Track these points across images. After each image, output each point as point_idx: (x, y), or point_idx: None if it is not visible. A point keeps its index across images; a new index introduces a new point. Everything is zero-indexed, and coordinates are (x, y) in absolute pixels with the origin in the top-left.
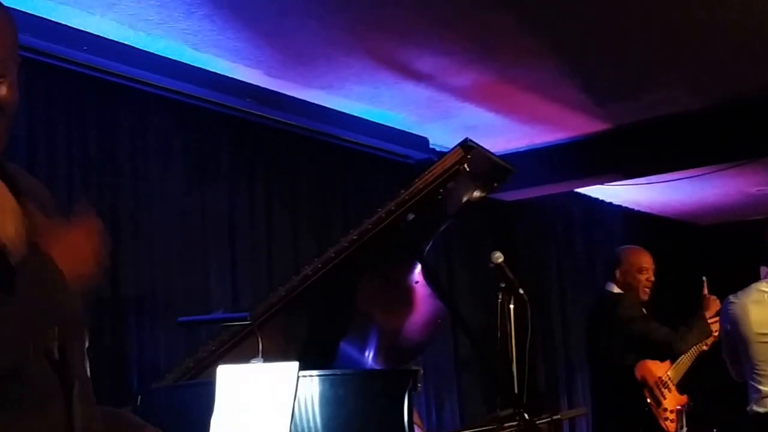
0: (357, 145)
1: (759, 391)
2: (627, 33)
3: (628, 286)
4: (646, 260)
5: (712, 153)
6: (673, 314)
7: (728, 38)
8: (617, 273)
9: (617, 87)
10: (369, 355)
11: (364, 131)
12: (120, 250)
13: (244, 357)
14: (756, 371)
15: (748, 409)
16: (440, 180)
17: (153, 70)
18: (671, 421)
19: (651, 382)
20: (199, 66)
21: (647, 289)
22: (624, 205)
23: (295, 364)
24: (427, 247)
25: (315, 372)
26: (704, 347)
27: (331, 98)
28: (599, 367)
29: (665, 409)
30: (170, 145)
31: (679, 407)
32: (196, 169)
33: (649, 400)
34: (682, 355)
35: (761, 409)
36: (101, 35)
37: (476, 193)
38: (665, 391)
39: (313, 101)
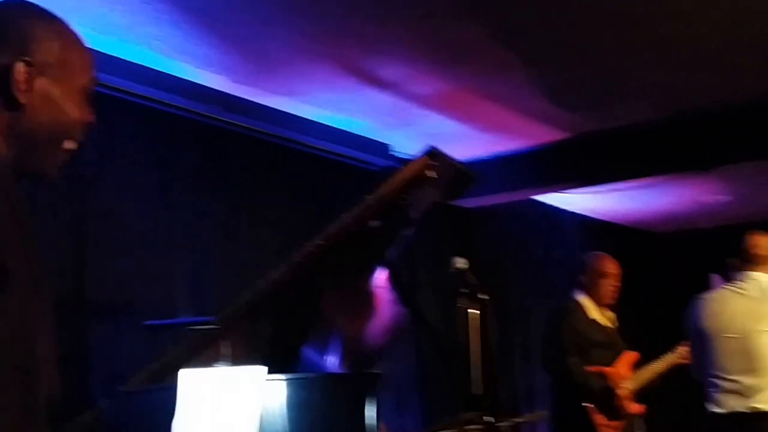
0: (321, 151)
1: (718, 387)
2: (588, 45)
3: (593, 292)
4: (611, 266)
5: (668, 162)
6: (628, 321)
7: (685, 52)
8: (583, 278)
9: (578, 97)
10: (331, 360)
11: (327, 138)
12: (85, 254)
13: (209, 362)
14: (717, 368)
15: (707, 407)
16: (405, 186)
17: (119, 75)
18: (614, 428)
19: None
20: (166, 71)
21: (613, 294)
22: (581, 212)
23: (263, 368)
24: (391, 253)
25: (281, 376)
26: (682, 360)
27: (295, 105)
28: (553, 372)
29: (610, 416)
30: (136, 150)
31: (634, 414)
32: (161, 174)
33: (591, 405)
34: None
35: (721, 410)
36: None
37: (440, 200)
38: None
39: (277, 107)
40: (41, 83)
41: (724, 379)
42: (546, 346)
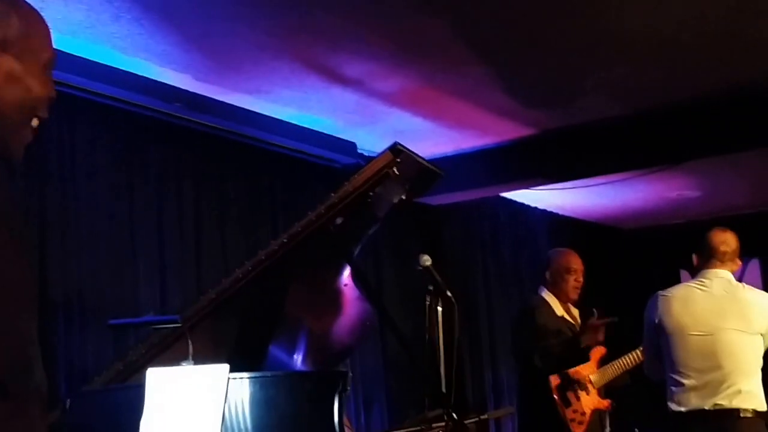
0: (285, 149)
1: (680, 385)
2: (551, 41)
3: (557, 288)
4: (574, 262)
5: (634, 158)
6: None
7: (649, 46)
8: (547, 275)
9: (542, 93)
10: (298, 359)
11: (292, 136)
12: (48, 253)
13: (174, 360)
14: (679, 365)
15: (669, 406)
16: (369, 183)
17: (80, 74)
18: (579, 423)
19: (572, 379)
20: (127, 70)
21: (576, 290)
22: (549, 209)
23: (226, 366)
24: (356, 250)
25: (245, 374)
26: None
27: (259, 102)
28: (520, 368)
29: (575, 411)
30: (98, 149)
31: (600, 409)
32: (124, 173)
33: (556, 397)
34: (613, 361)
35: (682, 408)
36: None
37: (404, 197)
38: (581, 393)
39: (241, 105)
40: (4, 61)
41: (688, 377)
42: (515, 346)
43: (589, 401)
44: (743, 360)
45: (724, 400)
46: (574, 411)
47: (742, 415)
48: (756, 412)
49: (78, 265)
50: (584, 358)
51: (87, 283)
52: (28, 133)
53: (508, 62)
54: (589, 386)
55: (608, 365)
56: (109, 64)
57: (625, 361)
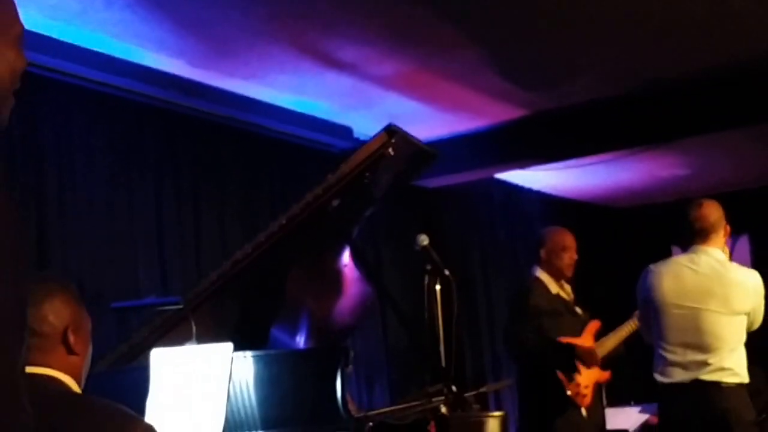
0: (282, 135)
1: (664, 359)
2: (544, 23)
3: (551, 266)
4: (568, 240)
5: (625, 137)
6: (590, 296)
7: (639, 25)
8: (541, 253)
9: (535, 75)
10: (300, 340)
11: (288, 121)
12: (47, 239)
13: (177, 342)
14: (664, 340)
15: (655, 377)
16: (366, 165)
17: (74, 61)
18: (582, 396)
19: (575, 353)
20: (122, 57)
21: (571, 267)
22: (543, 190)
23: (229, 344)
24: (355, 231)
25: (248, 352)
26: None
27: (255, 88)
28: (517, 347)
29: (578, 384)
30: (95, 137)
31: (601, 382)
32: (121, 160)
33: (559, 372)
34: (607, 336)
35: (666, 380)
36: None
37: (401, 178)
38: (583, 367)
39: (236, 91)
40: None
41: (673, 351)
42: (509, 330)
43: (591, 374)
44: (726, 339)
45: (707, 376)
46: (578, 385)
47: (724, 385)
48: (739, 384)
49: (78, 251)
50: (565, 361)
51: (86, 270)
52: (10, 103)
53: (501, 44)
54: (591, 359)
55: (605, 338)
56: (102, 51)
57: (621, 333)
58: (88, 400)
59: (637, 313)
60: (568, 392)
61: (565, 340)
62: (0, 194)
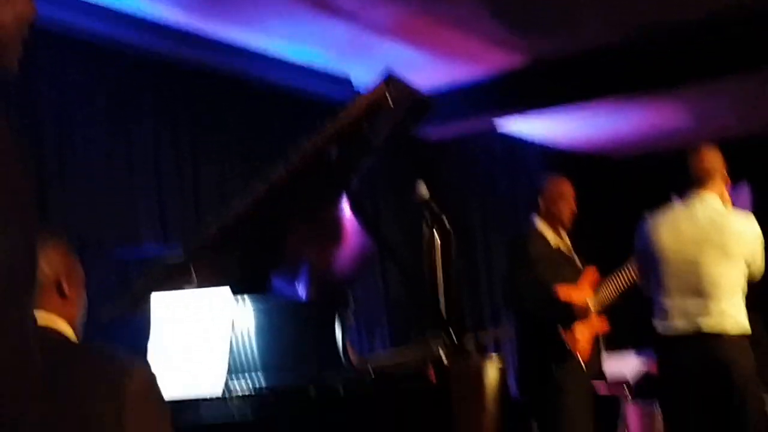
0: (280, 85)
1: (663, 306)
2: None
3: (550, 215)
4: (566, 188)
5: (626, 84)
6: (591, 248)
7: None
8: (540, 202)
9: (534, 22)
10: (300, 290)
11: (286, 70)
12: (47, 192)
13: (178, 289)
14: (663, 288)
15: (655, 327)
16: (364, 113)
17: (69, 11)
18: (581, 348)
19: (573, 304)
20: (116, 6)
21: (570, 216)
22: (543, 143)
23: (226, 288)
24: (354, 182)
25: (248, 296)
26: (629, 283)
27: (251, 36)
28: (516, 300)
29: (576, 338)
30: (91, 88)
31: (599, 332)
32: (118, 110)
33: (559, 324)
34: (605, 284)
35: (666, 330)
36: None
37: (399, 127)
38: (579, 321)
39: (233, 40)
40: None
41: (672, 299)
42: (508, 281)
43: (590, 325)
44: (724, 285)
45: (708, 322)
46: (576, 338)
47: (726, 336)
48: (740, 335)
49: (77, 202)
50: (563, 315)
51: (86, 220)
52: (17, 52)
53: None
54: (589, 311)
55: (602, 288)
56: (96, 2)
57: (617, 282)
58: (86, 346)
59: (632, 259)
60: (567, 345)
61: (562, 290)
62: (9, 140)
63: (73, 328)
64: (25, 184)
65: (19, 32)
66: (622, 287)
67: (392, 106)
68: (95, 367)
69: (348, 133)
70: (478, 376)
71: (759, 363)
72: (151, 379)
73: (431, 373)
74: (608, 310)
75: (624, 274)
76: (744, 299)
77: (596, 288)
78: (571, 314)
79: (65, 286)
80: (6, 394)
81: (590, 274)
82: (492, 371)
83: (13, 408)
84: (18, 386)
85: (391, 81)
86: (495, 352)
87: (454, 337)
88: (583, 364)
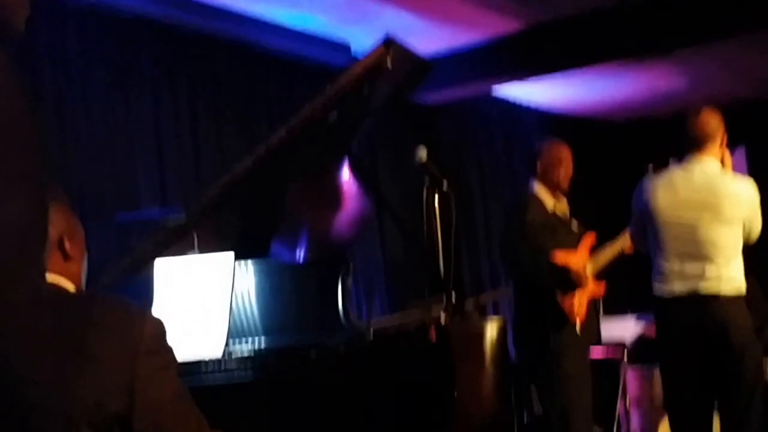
0: (279, 51)
1: (662, 269)
2: None
3: (547, 179)
4: (564, 152)
5: (623, 48)
6: (590, 213)
7: None
8: (538, 165)
9: None
10: (299, 253)
11: (285, 36)
12: (46, 155)
13: (179, 254)
14: (661, 251)
15: (654, 289)
16: (364, 76)
17: None
18: (577, 312)
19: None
20: None
21: (567, 179)
22: (540, 107)
23: (231, 253)
24: (354, 144)
25: (250, 260)
26: (626, 251)
27: (250, 2)
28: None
29: (572, 303)
30: (89, 52)
31: (596, 297)
32: (118, 76)
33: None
34: (603, 248)
35: (664, 292)
36: None
37: (399, 89)
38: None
39: (232, 6)
40: None
41: (670, 261)
42: (505, 247)
43: (586, 291)
44: (722, 248)
45: (705, 285)
46: (572, 303)
47: (723, 297)
48: (736, 296)
49: (77, 166)
50: (560, 281)
51: (87, 183)
52: (26, 11)
53: None
54: (586, 278)
55: (599, 252)
56: None
57: (615, 248)
58: (96, 296)
59: (629, 228)
60: (564, 311)
61: (559, 255)
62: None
63: (77, 288)
64: (35, 141)
65: None
66: (618, 253)
67: (391, 68)
68: (105, 318)
69: (348, 95)
70: (479, 336)
71: (755, 322)
72: (162, 327)
73: (432, 333)
74: (607, 274)
75: (620, 244)
76: (742, 260)
77: (593, 253)
78: (569, 281)
79: (67, 245)
80: (20, 350)
81: (588, 239)
82: (492, 331)
83: (28, 363)
84: (32, 342)
85: (390, 44)
86: (494, 314)
87: (453, 298)
88: (577, 329)
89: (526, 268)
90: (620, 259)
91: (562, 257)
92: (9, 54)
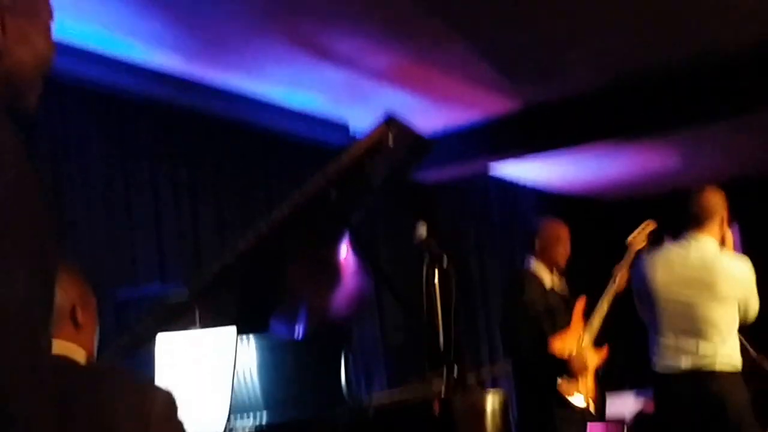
0: (279, 131)
1: (660, 345)
2: (533, 14)
3: (546, 256)
4: (562, 231)
5: (618, 128)
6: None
7: (626, 17)
8: (536, 243)
9: (524, 66)
10: (298, 330)
11: (285, 117)
12: (61, 230)
13: (182, 329)
14: (659, 327)
15: (651, 364)
16: (365, 154)
17: (70, 58)
18: (580, 390)
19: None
20: (116, 52)
21: (565, 257)
22: (537, 186)
23: (233, 328)
24: (354, 221)
25: (252, 335)
26: (621, 286)
27: (250, 82)
28: (514, 352)
29: (577, 392)
30: (89, 132)
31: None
32: (117, 154)
33: (559, 381)
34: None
35: (662, 368)
36: None
37: (399, 168)
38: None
39: (232, 86)
40: (13, 24)
41: (667, 338)
42: (504, 328)
43: (589, 371)
44: (718, 326)
45: (702, 361)
46: (576, 392)
47: (719, 373)
48: (732, 372)
49: (75, 244)
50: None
51: (85, 262)
52: (37, 90)
53: (493, 36)
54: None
55: (593, 315)
56: (95, 46)
57: (604, 303)
58: (106, 369)
59: (615, 273)
60: (564, 396)
61: (557, 345)
62: (33, 177)
63: (89, 356)
64: (45, 216)
65: (39, 72)
66: (613, 298)
67: (393, 146)
68: (117, 389)
69: (349, 173)
70: (482, 409)
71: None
72: (174, 402)
73: (436, 407)
74: (603, 341)
75: (606, 298)
76: (738, 339)
77: (588, 318)
78: (568, 370)
79: (80, 315)
80: (22, 421)
81: (579, 306)
82: (494, 404)
83: None
84: (34, 414)
85: (391, 121)
86: (493, 386)
87: (456, 371)
88: (586, 406)
89: (526, 357)
90: (612, 312)
91: (560, 347)
92: (22, 132)
